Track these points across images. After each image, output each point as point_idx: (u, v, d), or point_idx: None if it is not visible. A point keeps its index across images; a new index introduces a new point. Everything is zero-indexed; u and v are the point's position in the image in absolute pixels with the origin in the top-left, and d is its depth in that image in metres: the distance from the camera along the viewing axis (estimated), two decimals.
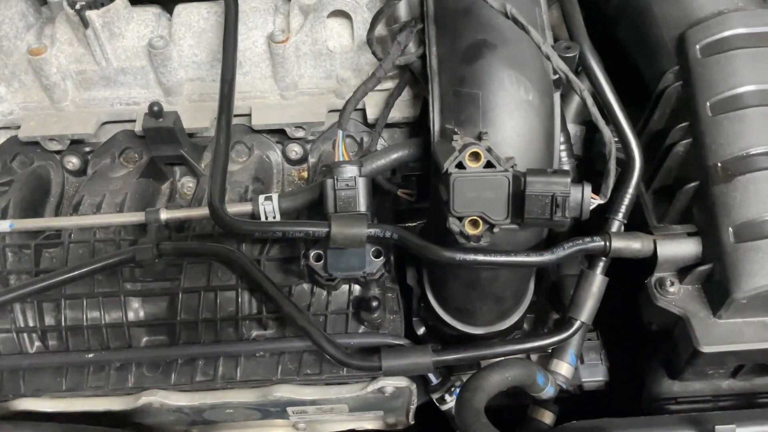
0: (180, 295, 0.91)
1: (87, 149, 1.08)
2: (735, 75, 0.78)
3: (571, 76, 0.73)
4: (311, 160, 1.08)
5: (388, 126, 1.05)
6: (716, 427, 0.66)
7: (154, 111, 0.96)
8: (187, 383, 0.90)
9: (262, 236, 0.84)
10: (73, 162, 1.07)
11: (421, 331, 1.03)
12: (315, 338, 0.85)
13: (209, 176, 0.85)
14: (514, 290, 0.90)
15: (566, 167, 0.94)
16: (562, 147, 0.94)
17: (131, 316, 0.93)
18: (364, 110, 1.04)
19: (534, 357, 0.98)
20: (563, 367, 0.89)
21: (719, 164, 0.76)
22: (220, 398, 0.91)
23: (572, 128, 1.00)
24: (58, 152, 1.07)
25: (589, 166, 1.00)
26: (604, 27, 1.02)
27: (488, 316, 0.92)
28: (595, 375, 0.95)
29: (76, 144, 1.08)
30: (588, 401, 0.98)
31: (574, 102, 1.00)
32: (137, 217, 0.94)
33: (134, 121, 1.06)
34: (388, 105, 0.99)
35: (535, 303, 0.98)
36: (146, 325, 0.93)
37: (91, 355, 0.90)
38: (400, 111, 1.03)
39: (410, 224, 1.03)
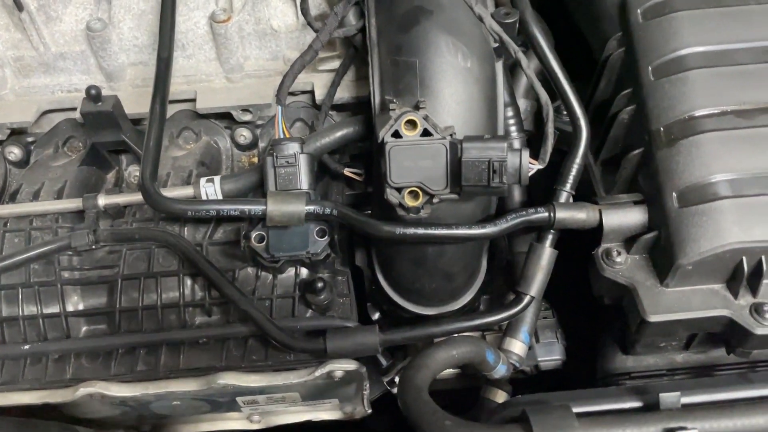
0: (120, 283, 0.88)
1: (29, 139, 1.05)
2: (676, 37, 0.76)
3: (505, 37, 0.71)
4: (261, 144, 1.05)
5: (340, 107, 1.03)
6: (660, 394, 0.64)
7: (92, 95, 0.93)
8: (128, 373, 0.87)
9: (196, 216, 0.81)
10: (14, 153, 1.03)
11: (376, 316, 1.00)
12: (258, 322, 0.82)
13: (142, 156, 0.82)
14: (463, 267, 0.87)
15: (516, 142, 0.92)
16: (512, 121, 0.93)
17: (69, 305, 0.89)
18: (312, 92, 1.02)
19: (490, 338, 0.96)
20: (516, 345, 0.86)
21: (662, 129, 0.74)
22: (162, 388, 0.87)
23: (522, 103, 0.97)
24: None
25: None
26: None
27: (439, 296, 0.89)
28: (551, 354, 0.93)
29: (18, 134, 1.05)
30: (547, 381, 0.96)
31: (522, 79, 0.98)
32: (74, 203, 0.91)
33: (76, 108, 1.03)
34: (335, 84, 0.96)
35: (490, 283, 0.96)
36: (85, 315, 0.89)
37: (27, 347, 0.87)
38: (350, 91, 1.01)
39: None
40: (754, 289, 0.71)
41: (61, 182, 0.96)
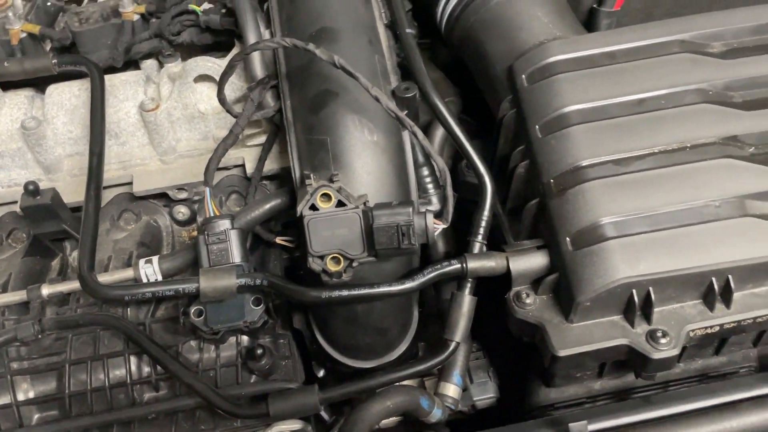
0: (68, 368, 0.91)
1: None
2: (557, 98, 0.85)
3: (400, 114, 0.79)
4: (199, 219, 1.11)
5: (270, 177, 1.10)
6: (570, 424, 0.70)
7: (30, 190, 0.98)
8: None
9: (133, 299, 0.86)
10: None
11: (321, 373, 1.05)
12: (202, 393, 0.86)
13: (78, 246, 0.87)
14: (394, 320, 0.94)
15: (433, 197, 1.00)
16: (428, 179, 1.00)
17: (20, 395, 0.92)
18: (243, 165, 1.09)
19: (428, 383, 1.01)
20: (450, 389, 0.92)
21: (552, 180, 0.83)
22: None
23: (439, 160, 1.05)
24: None
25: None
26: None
27: (375, 349, 0.95)
28: (485, 392, 0.99)
29: None
30: (486, 419, 1.02)
31: (438, 136, 1.06)
32: (19, 295, 0.95)
33: (17, 201, 1.08)
34: (262, 158, 1.03)
35: (425, 331, 1.02)
36: (36, 403, 0.92)
37: None
38: (278, 162, 1.08)
39: None
40: (647, 318, 0.79)
41: (5, 276, 1.00)
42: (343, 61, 0.78)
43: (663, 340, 0.77)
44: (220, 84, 0.89)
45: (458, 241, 1.02)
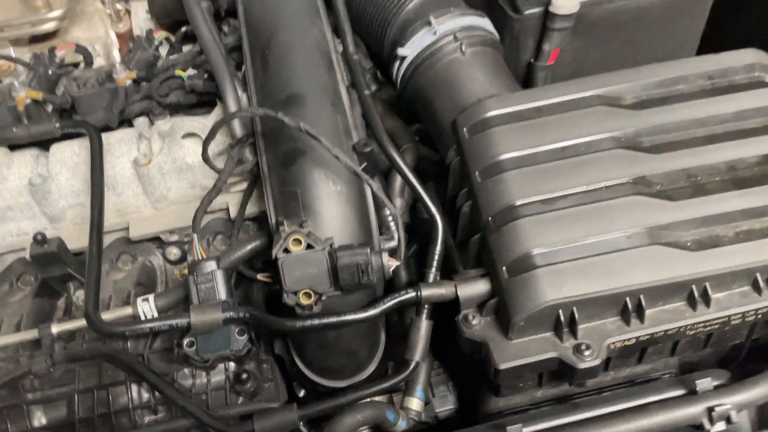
0: (76, 397, 1.04)
1: None
2: (493, 147, 0.99)
3: (358, 170, 0.93)
4: (189, 258, 1.24)
5: (252, 219, 1.23)
6: (507, 427, 0.83)
7: (38, 240, 1.11)
8: None
9: (133, 334, 0.99)
10: None
11: (302, 393, 1.18)
12: (195, 415, 0.99)
13: (85, 289, 1.00)
14: (362, 343, 1.07)
15: (400, 227, 1.13)
16: (390, 218, 1.14)
17: (35, 422, 1.04)
18: (228, 209, 1.23)
19: (396, 398, 1.15)
20: (413, 402, 1.05)
21: (490, 218, 0.96)
22: None
23: (398, 201, 1.19)
24: None
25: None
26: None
27: (347, 370, 1.08)
28: (446, 404, 1.12)
29: None
30: (449, 427, 1.15)
31: (398, 180, 1.20)
32: (31, 334, 1.07)
33: (26, 248, 1.21)
34: (243, 204, 1.17)
35: (393, 351, 1.15)
36: (49, 428, 1.05)
37: None
38: (258, 206, 1.22)
39: None
40: (574, 333, 0.92)
41: (18, 316, 1.13)
42: (307, 126, 0.92)
43: (587, 353, 0.91)
44: (204, 146, 1.03)
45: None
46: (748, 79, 1.04)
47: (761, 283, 0.92)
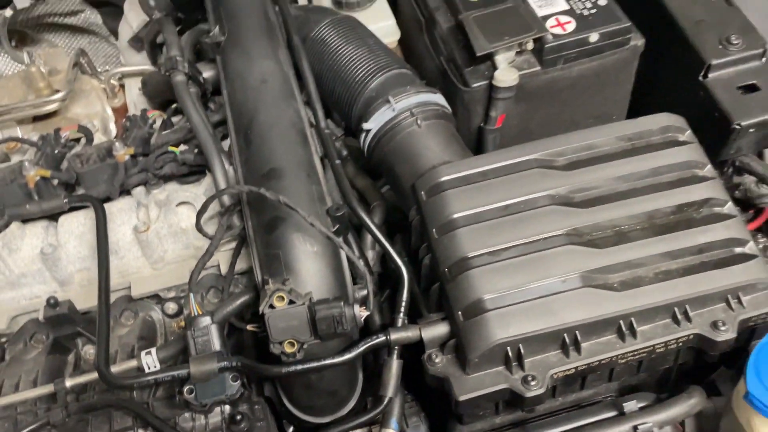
0: None
1: (3, 339, 1.35)
2: (446, 208, 1.15)
3: (331, 234, 1.09)
4: (185, 312, 1.38)
5: (241, 274, 1.38)
6: None
7: (51, 303, 1.25)
8: None
9: (140, 385, 1.13)
10: None
11: (291, 429, 1.32)
12: None
13: (96, 349, 1.14)
14: (341, 383, 1.21)
15: (369, 282, 1.29)
16: (365, 269, 1.30)
17: None
18: (219, 266, 1.38)
19: (375, 430, 1.28)
20: None
21: (447, 269, 1.12)
22: None
23: (370, 253, 1.35)
24: None
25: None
26: None
27: (329, 407, 1.22)
28: None
29: None
30: None
31: (368, 236, 1.35)
32: (47, 388, 1.20)
33: (38, 310, 1.35)
34: (232, 263, 1.32)
35: (370, 388, 1.29)
36: None
37: None
38: (247, 262, 1.36)
39: None
40: (522, 367, 1.06)
41: (34, 373, 1.26)
42: (286, 199, 1.08)
43: (533, 383, 1.05)
44: (198, 218, 1.18)
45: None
46: (663, 140, 1.21)
47: (679, 316, 1.08)
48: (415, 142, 1.26)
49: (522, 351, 1.06)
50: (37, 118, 1.63)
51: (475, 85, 1.35)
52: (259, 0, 1.41)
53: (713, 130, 1.29)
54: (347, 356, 1.10)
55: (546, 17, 1.37)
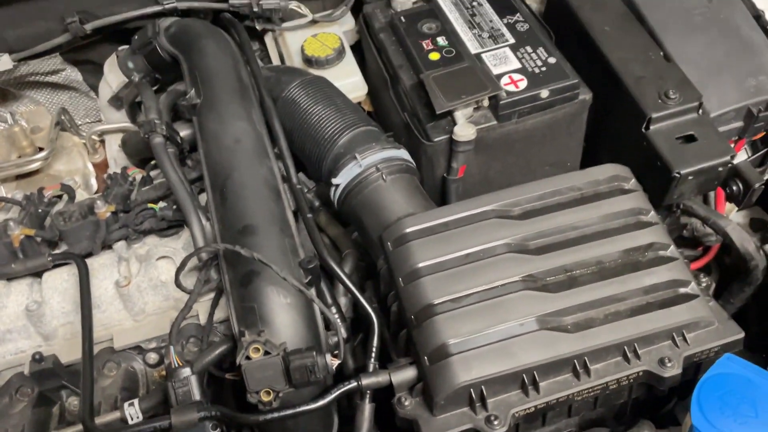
0: None
1: None
2: (411, 257, 1.23)
3: (303, 288, 1.16)
4: (166, 361, 1.44)
5: (220, 322, 1.44)
6: None
7: (36, 359, 1.30)
8: None
9: None
10: None
11: None
12: None
13: (80, 403, 1.19)
14: (317, 427, 1.27)
15: (342, 329, 1.35)
16: (336, 315, 1.37)
17: None
18: (198, 316, 1.44)
19: None
20: None
21: (413, 316, 1.19)
22: None
23: (342, 300, 1.42)
24: None
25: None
26: None
27: None
28: None
29: None
30: None
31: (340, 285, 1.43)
32: None
33: (23, 364, 1.39)
34: (211, 314, 1.38)
35: (346, 429, 1.36)
36: None
37: None
38: (224, 312, 1.43)
39: None
40: (485, 407, 1.13)
41: (20, 427, 1.30)
42: (260, 255, 1.15)
43: (496, 422, 1.12)
44: (177, 274, 1.25)
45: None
46: (610, 188, 1.31)
47: (629, 354, 1.16)
48: (382, 195, 1.34)
49: (485, 392, 1.13)
50: (20, 176, 1.69)
51: (436, 139, 1.44)
52: (232, 64, 1.50)
53: (656, 178, 1.39)
54: (321, 402, 1.17)
55: (500, 75, 1.47)
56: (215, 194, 1.33)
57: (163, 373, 1.44)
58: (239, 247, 1.17)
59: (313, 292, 1.18)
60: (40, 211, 1.46)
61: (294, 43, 1.80)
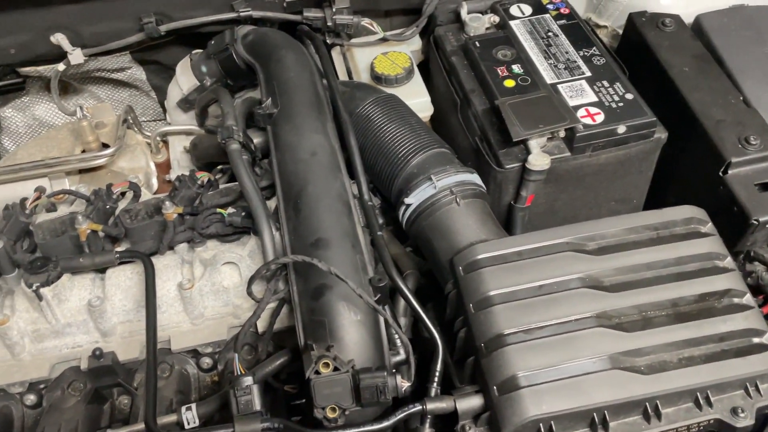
0: None
1: (42, 386, 1.39)
2: (483, 285, 1.22)
3: (377, 307, 1.15)
4: (219, 367, 1.43)
5: (281, 332, 1.43)
6: None
7: (96, 355, 1.30)
8: None
9: None
10: (30, 399, 1.37)
11: None
12: None
13: (144, 403, 1.18)
14: None
15: (401, 349, 1.34)
16: (397, 336, 1.35)
17: None
18: (256, 325, 1.43)
19: None
20: None
21: (482, 344, 1.18)
22: None
23: (403, 320, 1.41)
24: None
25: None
26: None
27: None
28: None
29: (33, 383, 1.38)
30: None
31: (401, 303, 1.42)
32: None
33: (78, 359, 1.39)
34: (271, 324, 1.37)
35: None
36: None
37: None
38: (283, 322, 1.42)
39: None
40: None
41: (73, 422, 1.30)
42: (336, 269, 1.15)
43: None
44: (250, 282, 1.25)
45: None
46: (686, 231, 1.30)
47: (701, 401, 1.14)
48: (454, 219, 1.34)
49: (553, 427, 1.11)
50: (83, 170, 1.70)
51: (508, 166, 1.44)
52: (310, 77, 1.51)
53: (731, 223, 1.38)
54: (386, 423, 1.15)
55: (576, 107, 1.47)
56: (288, 205, 1.33)
57: (216, 378, 1.43)
58: (316, 260, 1.16)
59: (386, 312, 1.17)
60: (108, 207, 1.46)
61: (362, 59, 1.81)
